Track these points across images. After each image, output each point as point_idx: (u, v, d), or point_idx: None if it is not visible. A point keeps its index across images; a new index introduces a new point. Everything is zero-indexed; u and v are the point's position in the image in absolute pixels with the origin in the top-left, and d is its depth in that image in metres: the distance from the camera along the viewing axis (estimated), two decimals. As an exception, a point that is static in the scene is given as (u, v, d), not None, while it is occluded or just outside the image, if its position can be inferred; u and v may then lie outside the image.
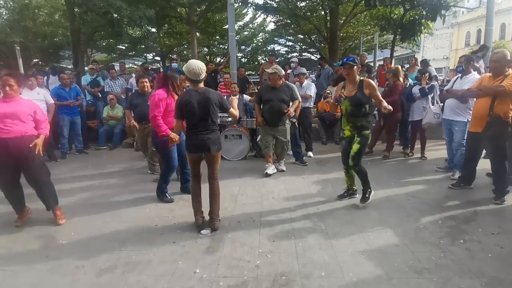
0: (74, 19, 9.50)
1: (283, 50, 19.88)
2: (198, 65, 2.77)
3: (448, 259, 2.41)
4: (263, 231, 2.92)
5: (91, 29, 10.36)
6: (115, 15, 7.69)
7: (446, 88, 4.58)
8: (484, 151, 4.17)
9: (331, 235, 2.81)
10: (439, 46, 35.04)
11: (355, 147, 3.34)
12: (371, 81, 3.33)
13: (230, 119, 5.62)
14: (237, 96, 6.00)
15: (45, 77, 6.90)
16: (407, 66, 7.76)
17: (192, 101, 2.77)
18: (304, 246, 2.64)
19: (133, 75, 8.15)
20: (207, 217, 3.02)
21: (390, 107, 3.19)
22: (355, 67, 3.26)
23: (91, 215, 3.36)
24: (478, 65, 5.40)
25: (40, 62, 15.37)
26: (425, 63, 7.38)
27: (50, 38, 14.63)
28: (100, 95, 7.28)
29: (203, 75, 2.82)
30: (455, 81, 4.33)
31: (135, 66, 15.92)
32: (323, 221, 3.09)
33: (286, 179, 4.43)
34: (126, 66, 11.61)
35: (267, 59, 16.32)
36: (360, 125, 3.33)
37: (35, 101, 3.54)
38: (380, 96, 3.31)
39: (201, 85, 2.87)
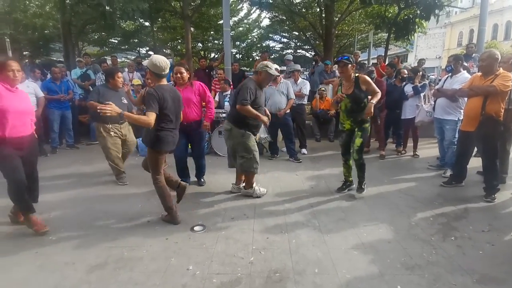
0: (65, 11, 9.30)
1: (277, 46, 19.82)
2: (163, 59, 2.77)
3: (439, 255, 2.43)
4: (257, 228, 2.91)
5: (83, 21, 10.17)
6: (107, 8, 7.52)
7: (437, 87, 4.63)
8: (475, 150, 4.22)
9: (325, 232, 2.81)
10: (432, 45, 35.34)
11: (358, 141, 3.52)
12: (366, 76, 3.45)
13: (224, 115, 5.58)
14: (229, 92, 5.96)
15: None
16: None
17: (169, 97, 2.77)
18: (298, 242, 2.64)
19: (126, 69, 8.02)
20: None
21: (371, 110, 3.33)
22: (350, 65, 3.37)
23: (81, 211, 3.31)
24: (468, 64, 5.46)
25: (31, 55, 15.03)
26: (420, 62, 7.54)
27: (40, 30, 14.31)
28: (91, 89, 7.14)
29: (167, 70, 2.81)
30: (445, 80, 4.38)
31: (128, 61, 15.68)
32: (317, 218, 3.09)
33: (280, 176, 4.43)
34: (119, 60, 11.42)
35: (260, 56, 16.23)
36: (361, 119, 3.47)
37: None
38: (376, 88, 3.40)
39: (165, 81, 2.86)
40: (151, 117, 2.62)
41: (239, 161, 3.53)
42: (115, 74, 4.03)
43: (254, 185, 3.67)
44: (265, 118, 3.47)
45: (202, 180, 4.12)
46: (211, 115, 3.89)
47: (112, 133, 4.07)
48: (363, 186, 3.67)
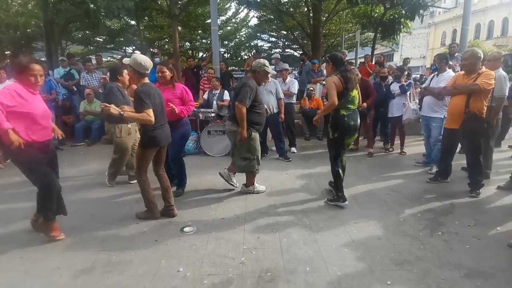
0: (48, 9, 9.02)
1: (266, 45, 19.82)
2: (146, 59, 2.85)
3: (427, 251, 2.48)
4: (248, 228, 2.89)
5: (66, 19, 9.84)
6: (91, 5, 7.32)
7: (423, 86, 4.72)
8: (459, 146, 4.33)
9: (315, 230, 2.82)
10: (417, 45, 36.09)
11: None
12: (331, 79, 3.16)
13: (213, 114, 5.55)
14: (219, 91, 5.92)
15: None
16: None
17: (155, 93, 2.86)
18: (289, 241, 2.64)
19: (112, 68, 7.87)
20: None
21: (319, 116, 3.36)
22: (326, 64, 3.41)
23: (67, 215, 3.20)
24: (452, 63, 5.59)
25: (13, 55, 14.54)
26: (405, 61, 7.70)
27: (22, 29, 13.88)
28: (75, 89, 6.97)
29: (150, 69, 2.88)
30: (431, 79, 4.47)
31: (114, 60, 15.36)
32: (307, 216, 3.10)
33: (270, 175, 4.42)
34: (104, 59, 11.18)
35: (250, 55, 16.20)
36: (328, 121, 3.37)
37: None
38: (333, 96, 3.09)
39: (147, 79, 2.92)
40: (150, 114, 2.73)
41: (240, 162, 3.55)
42: (122, 71, 3.76)
43: (254, 182, 3.76)
44: (244, 134, 3.35)
45: (180, 189, 3.72)
46: (185, 111, 3.60)
47: (131, 134, 3.90)
48: (334, 196, 3.38)
